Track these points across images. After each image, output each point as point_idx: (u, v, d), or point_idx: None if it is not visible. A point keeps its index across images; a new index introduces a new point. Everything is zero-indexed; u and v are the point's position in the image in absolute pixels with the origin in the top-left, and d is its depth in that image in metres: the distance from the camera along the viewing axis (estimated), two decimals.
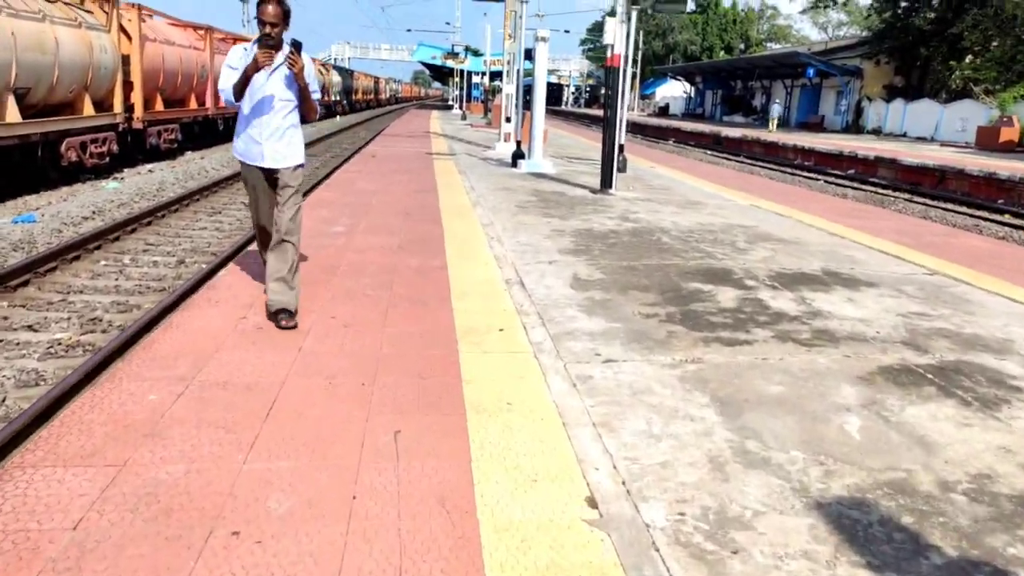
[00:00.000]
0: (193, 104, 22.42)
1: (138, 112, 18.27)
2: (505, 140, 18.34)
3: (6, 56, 12.75)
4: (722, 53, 71.52)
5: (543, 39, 13.10)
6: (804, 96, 44.90)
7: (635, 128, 47.43)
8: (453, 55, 41.11)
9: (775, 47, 74.99)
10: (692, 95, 62.90)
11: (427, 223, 8.27)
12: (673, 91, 71.49)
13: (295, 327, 4.51)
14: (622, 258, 6.71)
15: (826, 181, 23.64)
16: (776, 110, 44.41)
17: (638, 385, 3.78)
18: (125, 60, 17.82)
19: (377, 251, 6.75)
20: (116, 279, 8.52)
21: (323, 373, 3.83)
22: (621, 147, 14.33)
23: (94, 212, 12.00)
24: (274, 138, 4.51)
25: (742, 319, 4.94)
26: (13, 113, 13.16)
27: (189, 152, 22.16)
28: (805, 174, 25.82)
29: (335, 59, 75.11)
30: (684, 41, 72.29)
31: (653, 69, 67.92)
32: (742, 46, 74.32)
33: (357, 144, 26.06)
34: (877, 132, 38.14)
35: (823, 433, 3.32)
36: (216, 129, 24.91)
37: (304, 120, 4.64)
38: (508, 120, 18.14)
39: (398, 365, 3.98)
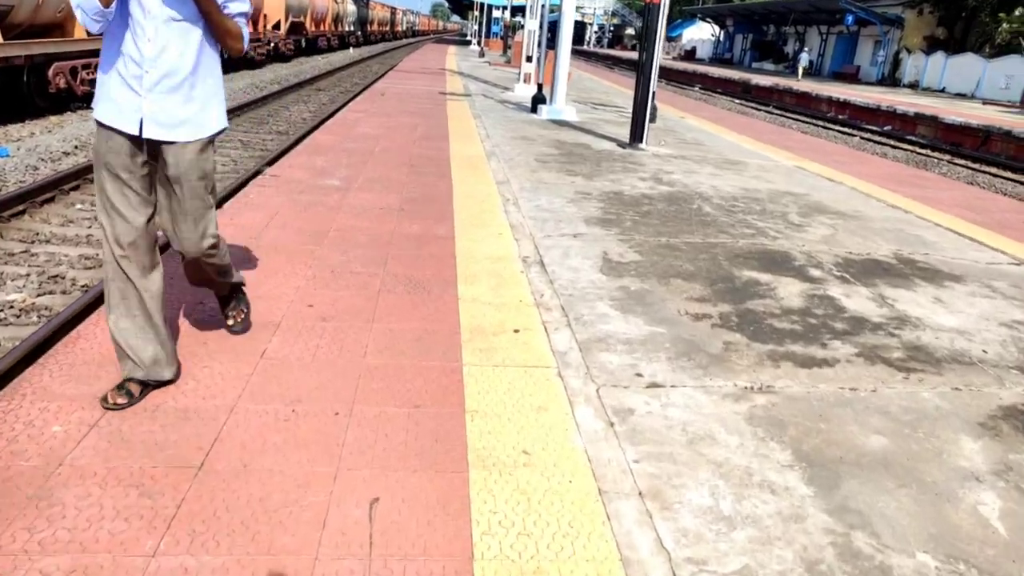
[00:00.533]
0: None
1: None
2: (525, 81, 17.12)
3: None
4: None
5: None
6: (840, 45, 42.80)
7: (661, 73, 45.60)
8: None
9: None
10: (721, 39, 60.40)
11: (434, 177, 7.29)
12: (700, 34, 68.77)
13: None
14: (659, 232, 5.75)
15: (862, 137, 22.30)
16: (804, 58, 42.50)
17: (695, 427, 2.89)
18: None
19: (374, 213, 5.80)
20: (89, 226, 7.63)
21: (286, 395, 2.95)
22: (652, 95, 13.17)
23: (77, 146, 11.03)
24: (163, 88, 2.69)
25: (814, 325, 4.01)
26: None
27: None
28: (839, 128, 24.44)
29: None
30: None
31: (682, 10, 65.18)
32: None
33: (368, 80, 24.75)
34: (914, 86, 36.32)
35: (954, 520, 2.44)
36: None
37: (229, 56, 3.03)
38: (529, 60, 16.88)
39: (384, 384, 3.10)
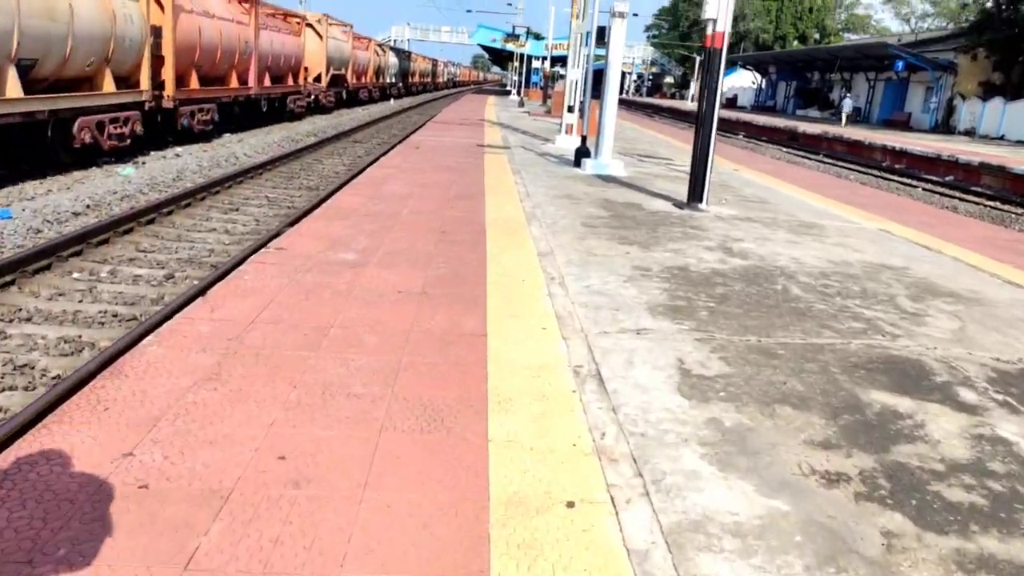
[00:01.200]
0: (234, 82, 20.77)
1: (169, 90, 16.62)
2: (567, 133, 16.17)
3: (5, 22, 11.10)
4: (796, 43, 67.56)
5: (620, 15, 10.88)
6: (888, 91, 41.40)
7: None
8: (513, 37, 38.87)
9: (852, 37, 70.65)
10: (763, 86, 59.39)
11: (466, 248, 6.21)
12: (741, 81, 67.88)
13: None
14: (744, 326, 4.54)
15: (924, 189, 20.84)
16: (848, 104, 41.25)
17: None
18: (156, 32, 16.17)
19: (390, 300, 4.71)
20: (80, 301, 6.70)
21: None
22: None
23: (89, 206, 10.27)
24: None
25: (1001, 495, 2.76)
26: (14, 87, 11.51)
27: (227, 135, 20.54)
28: (897, 179, 23.00)
29: (395, 40, 73.54)
30: (756, 29, 68.52)
31: (727, 58, 64.41)
32: (817, 36, 70.17)
33: (406, 131, 24.16)
34: (970, 133, 34.66)
35: None
36: (259, 110, 23.27)
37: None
38: (571, 110, 15.95)
39: None
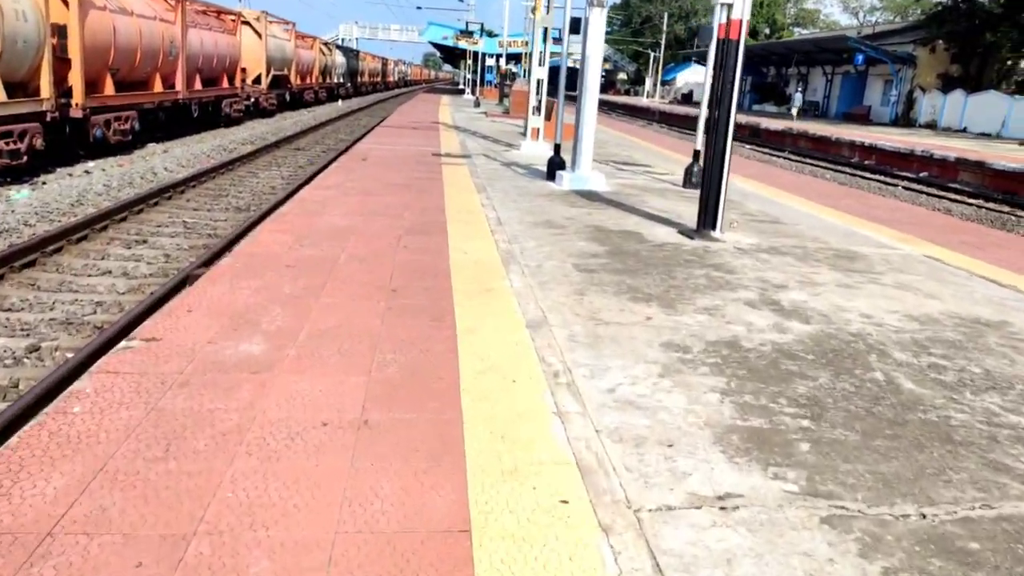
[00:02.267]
0: (158, 86, 18.48)
1: (77, 97, 14.35)
2: (533, 138, 14.40)
3: None
4: (748, 38, 66.94)
5: (599, 4, 9.13)
6: (846, 85, 40.62)
7: (662, 118, 43.27)
8: (467, 34, 36.93)
9: (802, 32, 70.41)
10: None
11: (426, 320, 4.39)
12: (695, 77, 66.97)
13: None
14: (881, 477, 2.82)
15: (904, 187, 19.65)
16: (798, 99, 40.65)
17: None
18: (59, 31, 13.91)
19: (308, 446, 2.87)
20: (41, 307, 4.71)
21: None
22: (696, 153, 10.42)
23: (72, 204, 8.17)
24: None
25: None
26: None
27: (152, 145, 18.26)
28: (871, 176, 21.83)
29: (343, 39, 70.84)
30: (708, 24, 67.68)
31: (678, 53, 63.50)
32: (767, 30, 69.77)
33: (353, 136, 22.10)
34: (932, 126, 33.95)
35: None
36: (189, 116, 20.98)
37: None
38: (537, 112, 14.18)
39: None
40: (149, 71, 18.02)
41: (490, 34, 43.99)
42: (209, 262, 7.61)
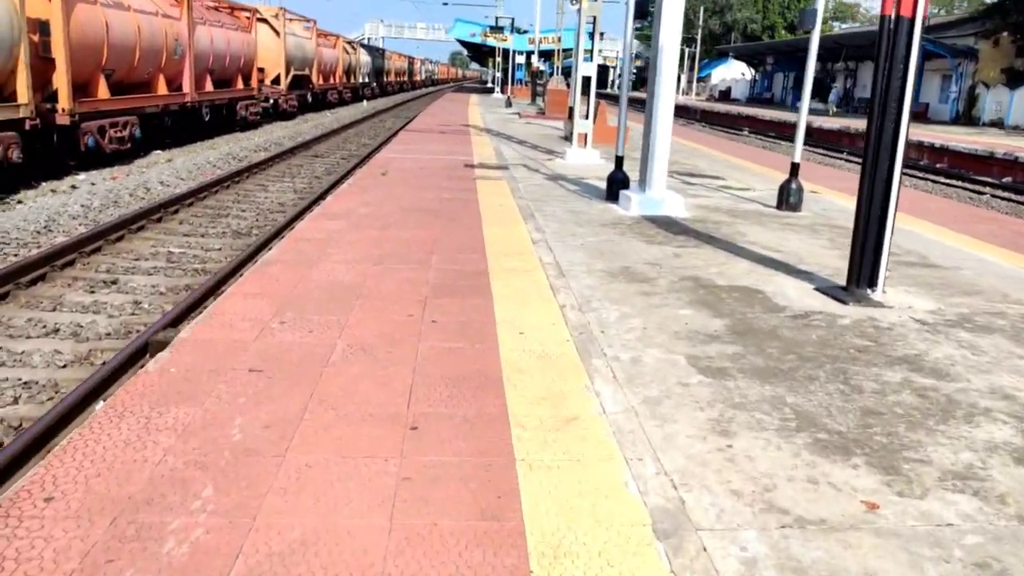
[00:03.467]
0: (162, 88, 16.70)
1: (64, 102, 12.59)
2: (580, 144, 12.32)
3: None
4: (784, 33, 64.12)
5: None
6: None
7: (703, 116, 40.85)
8: (497, 30, 34.88)
9: (841, 27, 67.36)
10: (757, 78, 55.80)
11: (472, 513, 2.38)
12: (730, 73, 64.33)
13: None
14: None
15: (992, 195, 17.23)
16: (834, 94, 38.20)
17: None
18: (40, 27, 12.17)
19: None
20: None
21: None
22: (795, 167, 8.30)
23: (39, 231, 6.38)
24: None
25: None
26: None
27: (157, 152, 16.50)
28: (944, 181, 19.41)
29: (368, 38, 69.23)
30: (744, 19, 65.02)
31: (716, 49, 60.89)
32: None
33: (376, 140, 20.19)
34: (998, 124, 31.20)
35: None
36: (200, 120, 19.21)
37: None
38: (585, 116, 12.10)
39: None
40: (151, 72, 16.24)
41: (519, 31, 41.97)
42: (180, 319, 5.70)
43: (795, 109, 35.92)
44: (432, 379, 3.44)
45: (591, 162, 11.99)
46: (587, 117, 12.08)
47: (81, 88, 13.41)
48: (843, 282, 5.02)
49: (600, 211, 7.86)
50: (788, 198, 8.27)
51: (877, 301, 4.72)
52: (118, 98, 14.60)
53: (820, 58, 43.42)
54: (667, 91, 7.37)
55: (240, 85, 21.85)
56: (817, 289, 5.06)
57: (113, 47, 14.08)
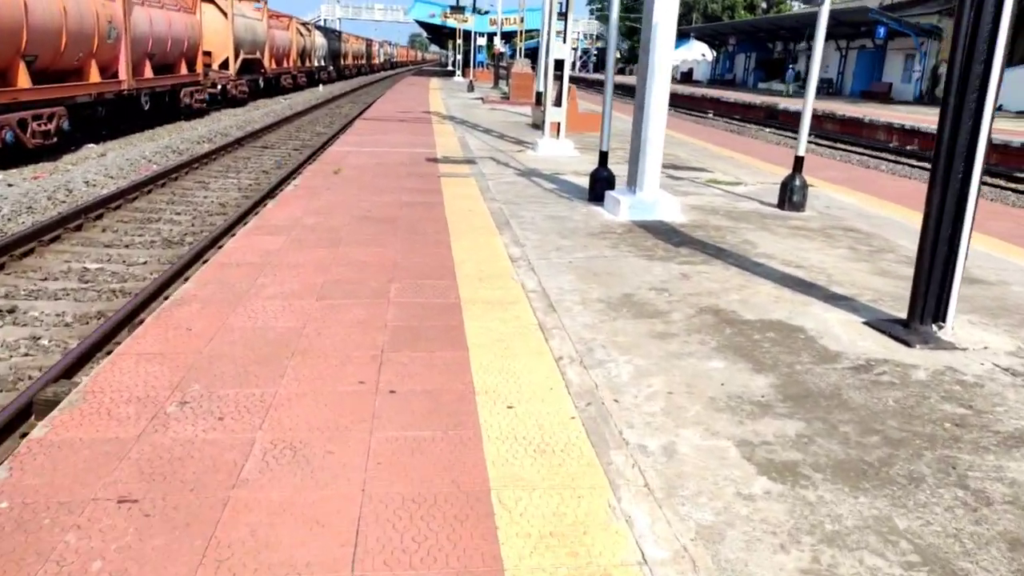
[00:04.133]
0: (94, 76, 15.12)
1: None
2: (552, 133, 11.22)
3: None
4: (744, 13, 63.52)
5: None
6: (863, 60, 37.42)
7: (670, 99, 39.90)
8: (458, 10, 33.39)
9: (799, 6, 66.97)
10: (720, 59, 55.08)
11: None
12: (690, 54, 63.54)
13: None
14: None
15: (993, 184, 16.56)
16: (790, 74, 37.95)
17: None
18: None
19: None
20: None
21: None
22: (800, 161, 7.33)
23: None
24: None
25: None
26: None
27: (91, 146, 14.95)
28: (915, 164, 18.77)
29: (324, 20, 66.81)
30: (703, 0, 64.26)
31: (678, 29, 59.89)
32: (764, 4, 66.27)
33: (332, 128, 18.80)
34: None
35: None
36: (139, 109, 17.62)
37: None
38: (559, 104, 10.98)
39: None
40: (82, 58, 14.66)
41: (480, 12, 40.47)
42: (76, 367, 4.52)
43: (757, 90, 35.22)
44: (389, 506, 2.36)
45: (564, 153, 10.90)
46: (559, 104, 10.96)
47: None
48: (891, 310, 4.04)
49: (584, 216, 6.78)
50: (791, 196, 7.30)
51: (948, 342, 3.74)
52: (42, 87, 13.06)
53: (782, 38, 42.98)
54: (662, 76, 6.30)
55: (184, 70, 20.21)
56: (868, 324, 4.06)
57: (34, 30, 12.52)
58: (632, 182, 6.72)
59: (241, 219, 8.39)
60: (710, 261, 5.35)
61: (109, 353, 4.27)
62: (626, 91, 46.58)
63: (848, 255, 5.69)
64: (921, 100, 33.10)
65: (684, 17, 66.24)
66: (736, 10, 64.04)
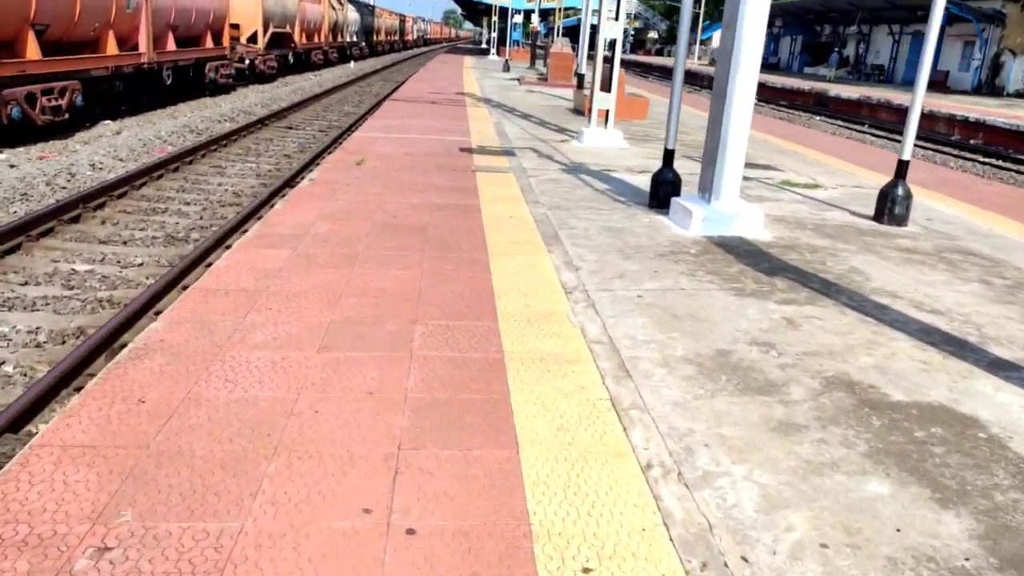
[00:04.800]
0: (111, 47, 14.21)
1: None
2: (600, 121, 10.05)
3: None
4: None
5: None
6: (916, 46, 35.31)
7: (700, 81, 38.17)
8: None
9: None
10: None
11: None
12: None
13: None
14: None
15: None
16: (834, 58, 36.53)
17: None
18: None
19: None
20: None
21: None
22: (904, 166, 6.13)
23: None
24: None
25: None
26: None
27: (107, 122, 14.10)
28: (983, 160, 17.22)
29: None
30: None
31: (715, 9, 57.66)
32: None
33: (360, 109, 17.73)
34: None
35: None
36: (161, 84, 16.73)
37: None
38: (607, 89, 9.80)
39: None
40: (98, 28, 13.74)
41: None
42: (25, 416, 3.56)
43: (803, 74, 33.42)
44: None
45: (613, 145, 9.75)
46: (607, 89, 9.79)
47: (6, 47, 11.05)
48: None
49: (648, 228, 5.66)
50: (893, 208, 6.11)
51: None
52: (53, 59, 12.15)
53: (832, 21, 40.90)
54: (750, 58, 5.14)
55: (210, 44, 19.26)
56: None
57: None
58: (705, 188, 5.58)
59: (241, 224, 7.36)
60: (817, 299, 4.22)
61: (79, 389, 3.30)
62: (663, 73, 44.90)
63: (985, 293, 4.52)
64: (979, 90, 31.12)
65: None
66: None
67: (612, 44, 9.57)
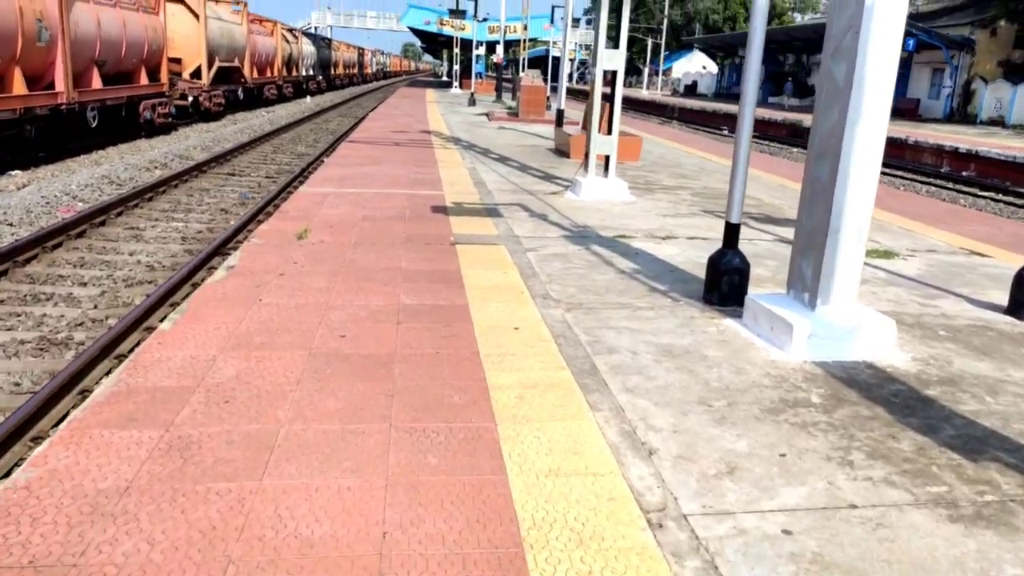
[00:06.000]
0: (18, 87, 12.06)
1: None
2: (598, 166, 8.24)
3: None
4: (744, 24, 60.95)
5: None
6: None
7: (681, 114, 36.97)
8: (458, 14, 30.38)
9: (802, 19, 64.58)
10: (726, 71, 52.36)
11: None
12: (691, 66, 60.92)
13: None
14: None
15: None
16: (788, 87, 36.22)
17: None
18: None
19: None
20: None
21: None
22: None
23: None
24: None
25: None
26: None
27: (13, 173, 11.91)
28: (982, 194, 15.92)
29: (315, 27, 63.76)
30: (705, 9, 61.70)
31: (679, 40, 57.29)
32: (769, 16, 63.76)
33: (312, 153, 15.70)
34: (998, 123, 28.16)
35: None
36: (85, 126, 14.54)
37: None
38: (607, 130, 8.00)
39: None
40: (2, 65, 11.62)
41: (478, 19, 37.51)
42: None
43: (768, 104, 32.34)
44: None
45: (618, 198, 7.94)
46: (609, 132, 8.01)
47: None
48: None
49: (723, 345, 3.79)
50: None
51: None
52: None
53: (795, 50, 40.22)
54: (877, 100, 3.36)
55: (144, 80, 17.13)
56: None
57: None
58: (804, 286, 3.75)
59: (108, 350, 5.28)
60: None
61: None
62: (632, 105, 43.79)
63: None
64: (952, 118, 30.40)
65: (684, 28, 63.72)
66: (738, 21, 61.54)
67: (613, 77, 7.82)
